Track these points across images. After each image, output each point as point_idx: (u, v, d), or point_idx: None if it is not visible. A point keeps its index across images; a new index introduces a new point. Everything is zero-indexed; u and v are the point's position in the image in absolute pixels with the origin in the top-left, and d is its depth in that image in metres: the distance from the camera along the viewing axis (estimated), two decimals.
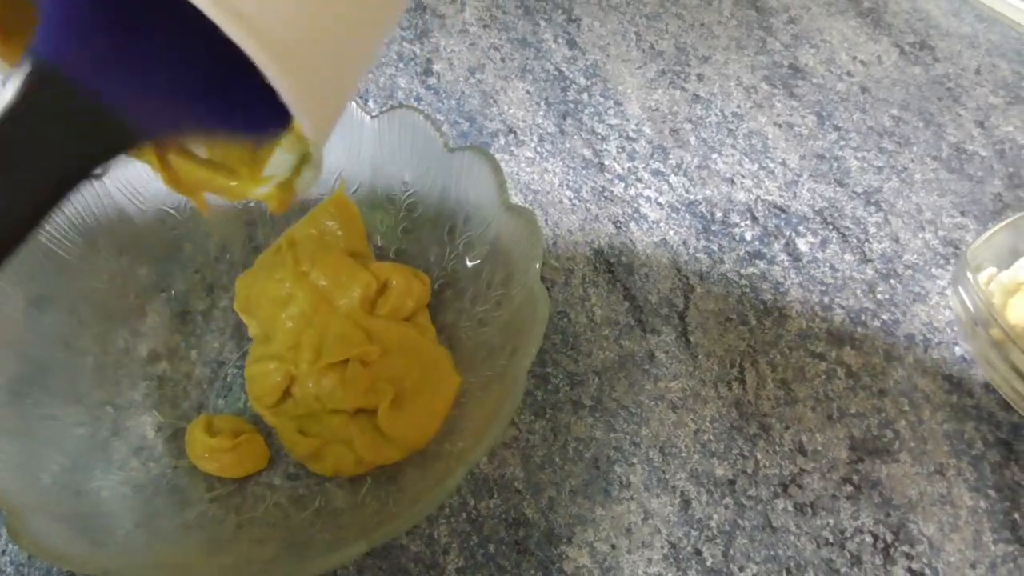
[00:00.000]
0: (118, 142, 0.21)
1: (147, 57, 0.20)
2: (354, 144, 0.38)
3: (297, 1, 0.18)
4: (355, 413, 0.33)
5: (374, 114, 0.36)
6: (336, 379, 0.33)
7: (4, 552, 0.32)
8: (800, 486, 0.34)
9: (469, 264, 0.36)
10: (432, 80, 0.51)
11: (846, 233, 0.44)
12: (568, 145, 0.48)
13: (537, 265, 0.30)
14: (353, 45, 0.21)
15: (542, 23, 0.56)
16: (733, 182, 0.46)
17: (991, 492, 0.35)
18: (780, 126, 0.50)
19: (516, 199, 0.45)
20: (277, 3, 0.18)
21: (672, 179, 0.46)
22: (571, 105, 0.50)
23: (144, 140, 0.22)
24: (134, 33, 0.20)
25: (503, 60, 0.53)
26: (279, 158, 0.24)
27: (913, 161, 0.48)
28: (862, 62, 0.54)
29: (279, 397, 0.34)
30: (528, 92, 0.51)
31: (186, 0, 0.16)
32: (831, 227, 0.44)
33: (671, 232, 0.44)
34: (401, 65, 0.52)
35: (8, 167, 0.19)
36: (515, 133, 0.48)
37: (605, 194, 0.45)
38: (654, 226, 0.44)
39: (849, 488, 0.35)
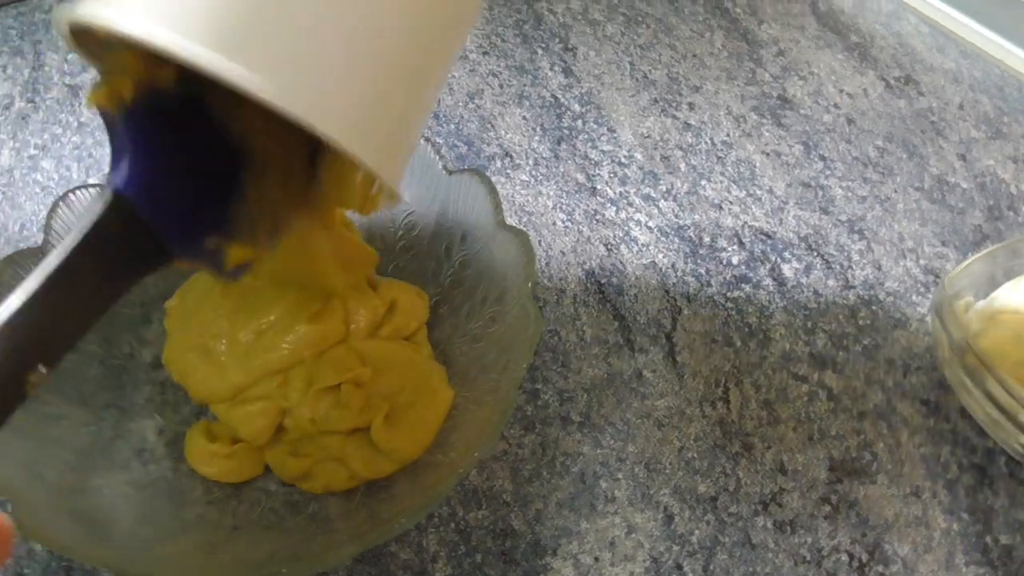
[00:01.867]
0: (158, 263, 0.25)
1: (179, 192, 0.26)
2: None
3: (363, 92, 0.22)
4: (350, 432, 0.34)
5: None
6: (331, 402, 0.33)
7: None
8: (780, 504, 0.36)
9: (465, 282, 0.37)
10: None
11: (830, 259, 0.46)
12: (562, 169, 0.49)
13: (530, 284, 0.32)
14: (412, 113, 0.25)
15: (539, 51, 0.58)
16: (721, 208, 0.48)
17: (964, 515, 0.36)
18: (768, 154, 0.51)
19: (511, 220, 0.46)
20: (349, 96, 0.21)
21: (662, 204, 0.48)
22: (566, 131, 0.52)
23: (171, 262, 0.26)
24: (175, 177, 0.26)
25: (501, 86, 0.55)
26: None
27: (896, 191, 0.50)
28: (848, 94, 0.56)
29: (271, 434, 0.34)
30: (525, 118, 0.53)
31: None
32: (815, 253, 0.46)
33: (660, 255, 0.45)
34: None
35: (82, 276, 0.23)
36: (511, 157, 0.50)
37: (597, 217, 0.47)
38: (644, 249, 0.45)
39: (827, 507, 0.36)
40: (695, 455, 0.37)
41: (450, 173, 0.36)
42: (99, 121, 0.51)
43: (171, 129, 0.25)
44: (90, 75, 0.55)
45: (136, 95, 0.24)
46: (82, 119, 0.52)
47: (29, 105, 0.53)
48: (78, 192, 0.36)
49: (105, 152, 0.50)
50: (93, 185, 0.37)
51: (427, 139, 0.36)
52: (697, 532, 0.34)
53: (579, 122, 0.53)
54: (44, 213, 0.39)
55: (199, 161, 0.27)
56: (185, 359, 0.34)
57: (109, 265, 0.24)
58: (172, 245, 0.25)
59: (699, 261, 0.45)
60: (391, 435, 0.33)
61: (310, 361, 0.34)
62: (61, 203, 0.35)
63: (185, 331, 0.35)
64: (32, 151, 0.50)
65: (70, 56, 0.56)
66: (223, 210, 0.27)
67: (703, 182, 0.49)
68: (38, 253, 0.34)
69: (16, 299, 0.21)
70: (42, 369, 0.22)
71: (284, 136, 0.27)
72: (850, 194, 0.50)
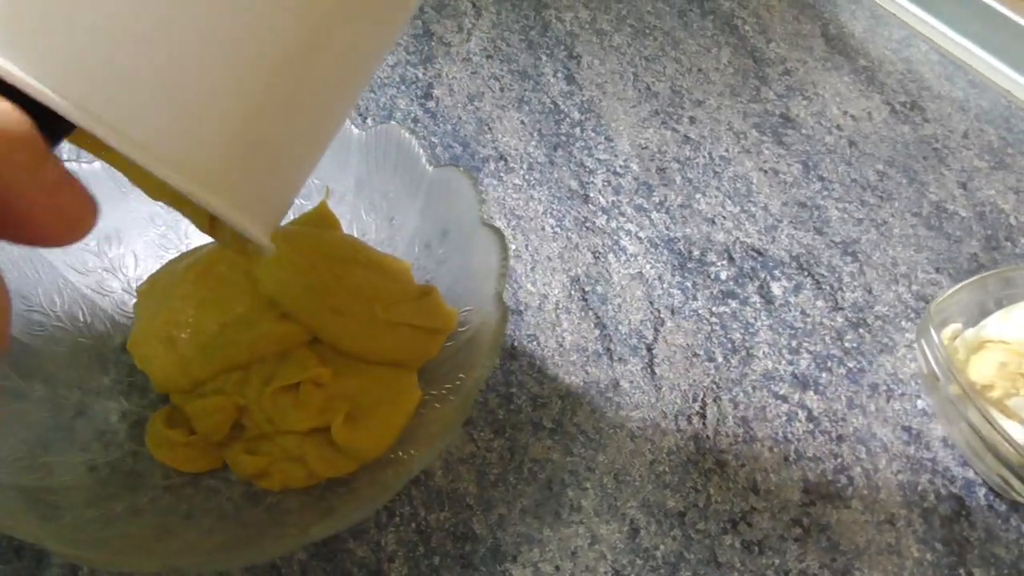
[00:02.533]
0: None
1: None
2: (340, 157, 0.39)
3: (231, 147, 0.19)
4: (309, 432, 0.33)
5: (361, 129, 0.38)
6: (289, 401, 0.32)
7: None
8: (750, 524, 0.35)
9: (442, 280, 0.37)
10: (431, 104, 0.53)
11: (820, 280, 0.45)
12: (556, 175, 0.49)
13: (500, 283, 0.31)
14: (293, 159, 0.22)
15: (543, 57, 0.58)
16: (714, 222, 0.47)
17: (939, 546, 0.35)
18: (766, 172, 0.51)
19: (500, 223, 0.46)
20: (212, 150, 0.19)
21: (654, 215, 0.47)
22: (563, 137, 0.52)
23: None
24: None
25: (502, 90, 0.55)
26: None
27: (893, 216, 0.49)
28: (852, 117, 0.56)
29: (228, 431, 0.33)
30: (523, 122, 0.52)
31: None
32: (806, 273, 0.45)
33: (648, 266, 0.44)
34: (403, 87, 0.54)
35: None
36: (506, 160, 0.50)
37: (587, 224, 0.46)
38: (632, 259, 0.45)
39: (798, 530, 0.35)
40: (667, 469, 0.36)
41: (434, 168, 0.36)
42: None
43: None
44: None
45: None
46: None
47: None
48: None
49: None
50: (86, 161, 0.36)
51: (411, 133, 0.36)
52: (662, 547, 0.34)
53: (577, 129, 0.52)
54: None
55: None
56: (149, 345, 0.34)
57: None
58: None
59: (687, 274, 0.44)
60: (352, 435, 0.32)
61: (271, 359, 0.33)
62: None
63: (152, 317, 0.34)
64: None
65: None
66: None
67: (698, 196, 0.49)
68: None
69: None
70: None
71: None
72: (846, 216, 0.49)
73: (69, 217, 0.17)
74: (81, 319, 0.37)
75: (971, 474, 0.37)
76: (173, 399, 0.34)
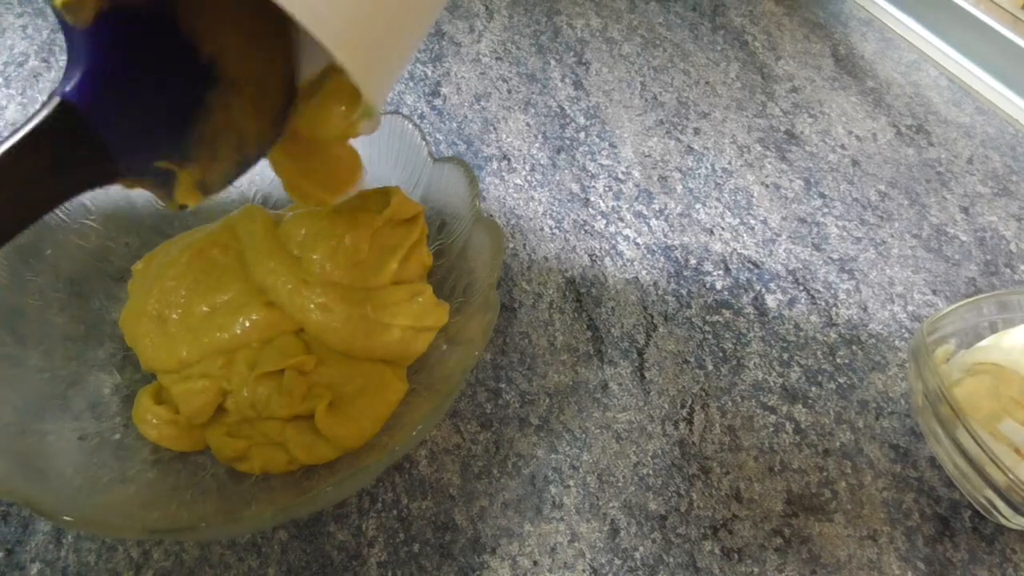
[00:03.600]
0: (103, 177, 0.25)
1: (138, 110, 0.25)
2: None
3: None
4: (291, 419, 0.33)
5: None
6: (272, 387, 0.33)
7: None
8: (730, 531, 0.35)
9: (437, 271, 0.37)
10: (438, 101, 0.53)
11: (815, 295, 0.45)
12: (558, 178, 0.49)
13: (496, 274, 0.31)
14: (403, 30, 0.25)
15: (552, 62, 0.58)
16: (712, 233, 0.47)
17: (920, 564, 0.35)
18: (767, 186, 0.51)
19: (498, 222, 0.46)
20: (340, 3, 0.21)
21: (653, 222, 0.47)
22: (567, 141, 0.52)
23: (119, 180, 0.26)
24: (135, 94, 0.25)
25: (509, 91, 0.55)
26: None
27: (893, 236, 0.49)
28: (857, 137, 0.56)
29: (211, 414, 0.33)
30: (528, 124, 0.53)
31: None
32: (801, 287, 0.45)
33: (644, 272, 0.45)
34: (411, 84, 0.54)
35: (17, 177, 0.22)
36: (509, 160, 0.50)
37: (586, 228, 0.46)
38: (628, 264, 0.45)
39: (779, 540, 0.35)
40: (650, 472, 0.36)
41: (435, 160, 0.36)
42: None
43: (135, 43, 0.25)
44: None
45: (104, 3, 0.23)
46: None
47: (43, 64, 0.54)
48: None
49: None
50: None
51: (414, 124, 0.36)
52: (641, 549, 0.34)
53: (582, 134, 0.53)
54: None
55: (161, 79, 0.26)
56: (139, 324, 0.34)
57: (46, 172, 0.23)
58: (120, 162, 0.25)
59: (682, 282, 0.45)
60: (334, 422, 0.32)
61: (256, 345, 0.34)
62: None
63: (144, 296, 0.35)
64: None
65: None
66: (181, 132, 0.27)
67: (697, 206, 0.49)
68: None
69: None
70: None
71: (259, 61, 0.26)
72: (845, 234, 0.49)
73: None
74: (79, 291, 0.37)
75: (957, 495, 0.37)
76: (160, 379, 0.34)
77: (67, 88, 0.23)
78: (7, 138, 0.22)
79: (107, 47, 0.24)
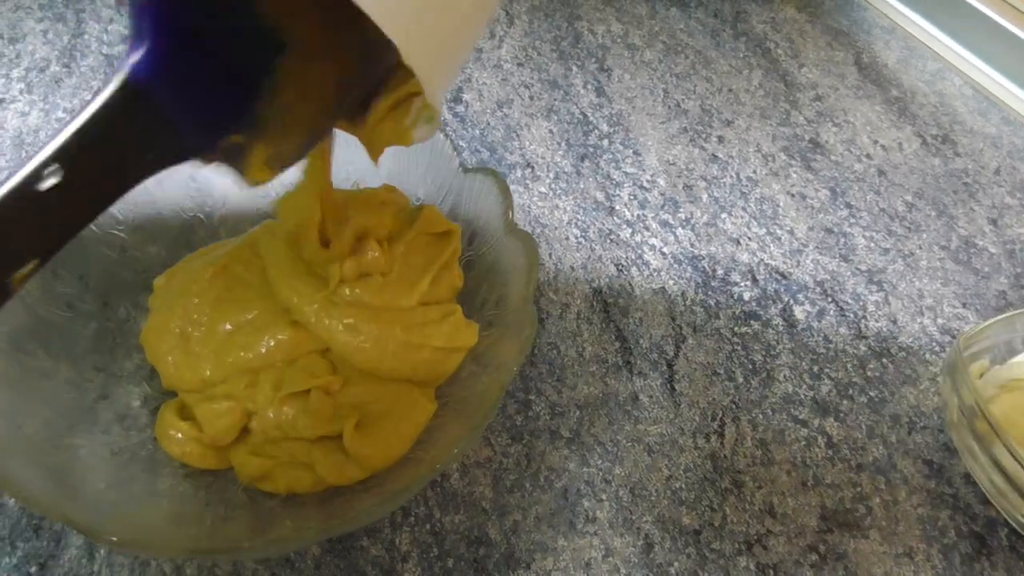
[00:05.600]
0: (173, 156, 0.24)
1: (204, 84, 0.24)
2: None
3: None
4: (317, 439, 0.32)
5: None
6: (298, 407, 0.32)
7: None
8: (765, 547, 0.34)
9: (467, 283, 0.37)
10: (460, 108, 0.53)
11: (844, 307, 0.45)
12: (582, 186, 0.49)
13: (532, 287, 0.31)
14: (462, 28, 0.24)
15: (574, 68, 0.58)
16: (739, 243, 0.47)
17: None
18: (793, 196, 0.51)
19: (524, 230, 0.46)
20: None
21: (679, 231, 0.47)
22: (591, 149, 0.52)
23: (191, 158, 0.25)
24: (200, 67, 0.24)
25: (531, 98, 0.55)
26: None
27: (921, 248, 0.49)
28: (883, 146, 0.55)
29: (236, 435, 0.33)
30: (551, 131, 0.52)
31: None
32: (830, 299, 0.45)
33: (671, 282, 0.44)
34: None
35: (86, 160, 0.21)
36: (532, 168, 0.50)
37: (611, 237, 0.46)
38: (655, 274, 0.45)
39: (814, 556, 0.34)
40: (683, 486, 0.36)
41: (466, 171, 0.36)
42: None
43: (199, 15, 0.24)
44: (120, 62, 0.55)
45: None
46: None
47: (64, 70, 0.54)
48: None
49: None
50: None
51: (446, 135, 0.36)
52: (676, 564, 0.33)
53: (605, 142, 0.52)
54: None
55: (228, 52, 0.25)
56: (161, 341, 0.34)
57: (114, 156, 0.22)
58: (189, 140, 0.24)
59: (710, 292, 0.44)
60: (362, 443, 0.31)
61: (281, 365, 0.33)
62: None
63: (167, 312, 0.34)
64: (60, 114, 0.50)
65: (111, 27, 0.57)
66: (249, 107, 0.26)
67: (723, 215, 0.49)
68: None
69: (7, 187, 0.20)
70: (30, 265, 0.20)
71: (328, 24, 0.26)
72: (873, 245, 0.49)
73: None
74: (106, 300, 0.37)
75: (993, 513, 0.37)
76: (182, 397, 0.34)
77: (131, 64, 0.22)
78: (70, 121, 0.21)
79: (171, 20, 0.23)
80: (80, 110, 0.21)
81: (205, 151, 0.25)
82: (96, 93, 0.22)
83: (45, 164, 0.20)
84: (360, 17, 0.20)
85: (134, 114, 0.22)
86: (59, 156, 0.21)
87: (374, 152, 0.30)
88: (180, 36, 0.23)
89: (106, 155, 0.22)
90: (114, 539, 0.24)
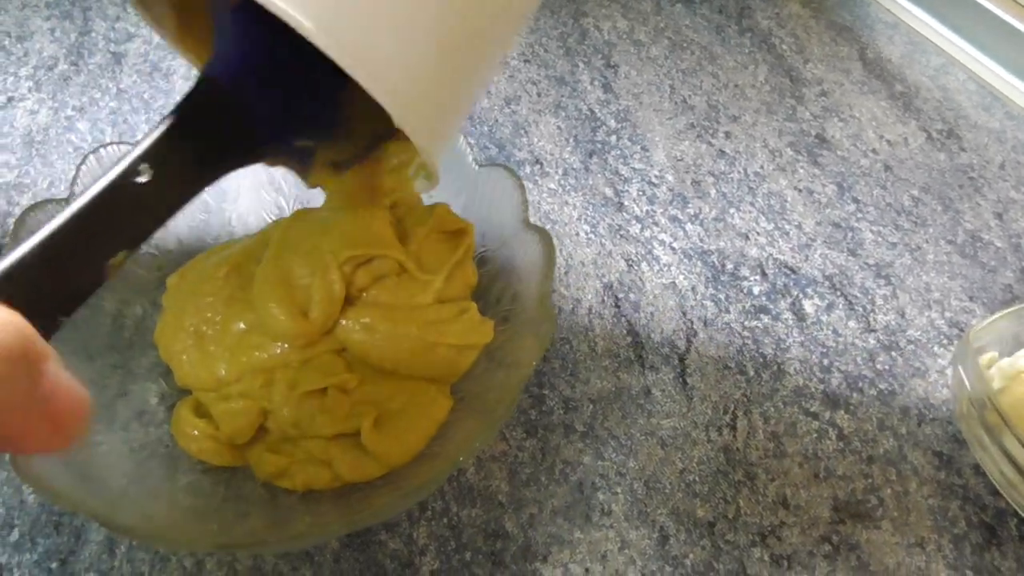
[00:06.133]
0: (247, 157, 0.25)
1: (282, 89, 0.26)
2: None
3: (422, 64, 0.22)
4: (334, 436, 0.32)
5: None
6: (315, 406, 0.32)
7: None
8: (779, 538, 0.35)
9: (482, 279, 0.37)
10: None
11: (853, 301, 0.45)
12: (591, 182, 0.49)
13: (549, 284, 0.31)
14: (462, 94, 0.25)
15: (581, 65, 0.58)
16: (747, 238, 0.47)
17: (969, 572, 0.35)
18: (800, 191, 0.51)
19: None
20: (404, 65, 0.22)
21: (688, 227, 0.47)
22: (599, 145, 0.52)
23: (261, 160, 0.26)
24: (279, 72, 0.25)
25: (539, 95, 0.55)
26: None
27: (927, 242, 0.49)
28: (888, 141, 0.56)
29: (252, 434, 0.33)
30: (559, 127, 0.53)
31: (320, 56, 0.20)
32: (839, 293, 0.45)
33: (681, 277, 0.44)
34: None
35: (173, 158, 0.23)
36: (541, 164, 0.50)
37: (621, 232, 0.46)
38: (665, 269, 0.45)
39: (827, 547, 0.35)
40: (696, 478, 0.36)
41: (480, 167, 0.36)
42: (138, 89, 0.51)
43: (279, 24, 0.25)
44: (134, 44, 0.56)
45: None
46: (122, 85, 0.52)
47: (72, 68, 0.54)
48: (109, 148, 0.36)
49: (141, 120, 0.50)
50: (126, 143, 0.37)
51: (459, 131, 0.36)
52: (691, 556, 0.34)
53: (613, 138, 0.53)
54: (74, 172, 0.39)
55: (304, 58, 0.26)
56: (175, 340, 0.34)
57: (198, 150, 0.23)
58: (263, 139, 0.25)
59: (720, 287, 0.44)
60: (380, 439, 0.32)
61: (296, 364, 0.33)
62: (91, 157, 0.35)
63: (180, 311, 0.34)
64: (70, 112, 0.50)
65: (117, 24, 0.57)
66: (322, 112, 0.27)
67: (732, 210, 0.49)
68: (63, 204, 0.34)
69: (104, 182, 0.21)
70: (122, 254, 0.22)
71: None
72: (880, 239, 0.49)
73: (62, 424, 0.17)
74: (122, 298, 0.37)
75: (1003, 503, 0.37)
76: (197, 395, 0.34)
77: (212, 66, 0.24)
78: (162, 121, 0.23)
79: (251, 26, 0.24)
80: (167, 116, 0.23)
81: (279, 153, 0.27)
82: (185, 95, 0.23)
83: (138, 161, 0.22)
84: None
85: (215, 112, 0.24)
86: (150, 154, 0.22)
87: (377, 198, 0.31)
88: (259, 42, 0.25)
89: (191, 153, 0.23)
90: (140, 534, 0.24)
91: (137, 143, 0.22)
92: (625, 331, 0.42)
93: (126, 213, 0.22)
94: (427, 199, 0.39)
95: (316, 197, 0.41)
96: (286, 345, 0.33)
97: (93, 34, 0.56)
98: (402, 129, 0.21)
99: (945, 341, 0.44)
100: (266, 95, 0.25)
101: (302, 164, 0.28)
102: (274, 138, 0.26)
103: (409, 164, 0.30)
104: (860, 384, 0.41)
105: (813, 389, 0.40)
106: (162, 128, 0.23)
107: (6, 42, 0.55)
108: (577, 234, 0.46)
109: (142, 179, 0.22)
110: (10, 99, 0.50)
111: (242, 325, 0.34)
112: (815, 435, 0.39)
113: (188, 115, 0.23)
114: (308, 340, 0.33)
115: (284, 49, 0.25)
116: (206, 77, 0.24)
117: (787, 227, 0.49)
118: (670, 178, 0.50)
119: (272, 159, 0.26)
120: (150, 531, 0.25)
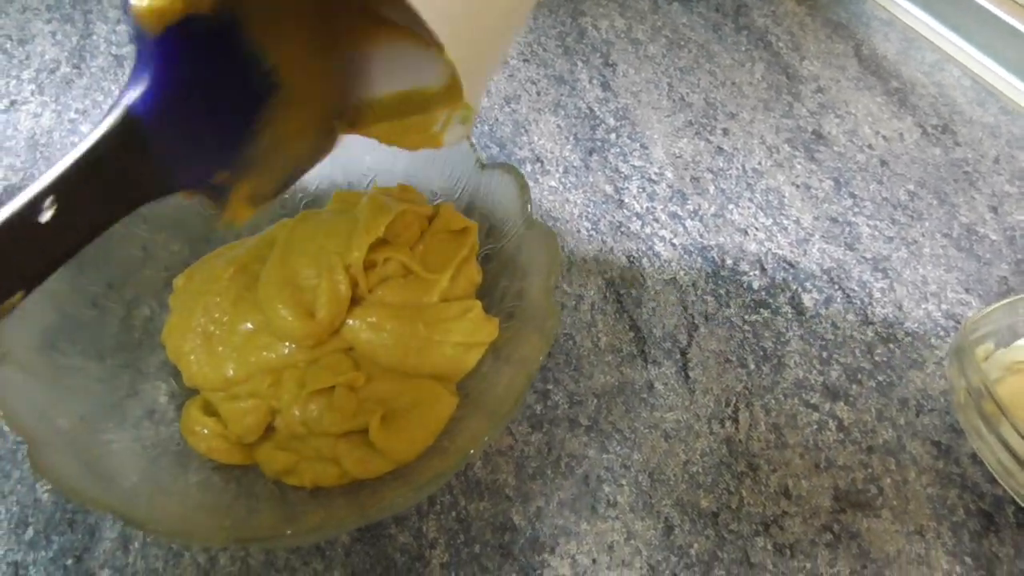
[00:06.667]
0: (162, 190, 0.25)
1: (199, 123, 0.25)
2: (391, 152, 0.40)
3: None
4: (342, 434, 0.33)
5: None
6: (323, 404, 0.33)
7: (11, 492, 0.33)
8: (781, 527, 0.35)
9: (486, 276, 0.37)
10: None
11: (851, 294, 0.46)
12: (591, 179, 0.50)
13: (553, 280, 0.32)
14: (499, 29, 0.25)
15: (579, 64, 0.58)
16: (746, 233, 0.48)
17: (968, 559, 0.35)
18: (798, 186, 0.52)
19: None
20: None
21: (688, 223, 0.48)
22: (598, 143, 0.52)
23: (177, 192, 0.26)
24: (197, 106, 0.25)
25: (538, 94, 0.55)
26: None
27: (924, 235, 0.50)
28: (884, 137, 0.56)
29: (262, 433, 0.34)
30: (559, 126, 0.53)
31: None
32: (837, 287, 0.46)
33: (681, 272, 0.45)
34: None
35: (84, 192, 0.22)
36: (542, 162, 0.50)
37: (622, 229, 0.47)
38: (666, 265, 0.45)
39: (829, 536, 0.35)
40: (700, 470, 0.37)
41: (484, 167, 0.37)
42: None
43: (201, 55, 0.24)
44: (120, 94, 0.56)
45: (178, 15, 0.23)
46: None
47: (74, 71, 0.54)
48: None
49: None
50: None
51: None
52: (696, 545, 0.34)
53: (612, 136, 0.53)
54: None
55: (223, 92, 0.25)
56: (183, 340, 0.34)
57: (108, 188, 0.22)
58: (179, 174, 0.25)
59: (720, 282, 0.45)
60: (388, 436, 0.32)
61: (303, 364, 0.34)
62: None
63: (187, 312, 0.35)
64: (72, 115, 0.51)
65: (118, 27, 0.58)
66: (238, 146, 0.27)
67: (731, 206, 0.50)
68: None
69: (12, 205, 0.20)
70: (17, 296, 0.20)
71: (320, 72, 0.27)
72: (877, 233, 0.50)
73: None
74: (130, 299, 0.37)
75: (1000, 491, 0.38)
76: (205, 395, 0.35)
77: (132, 99, 0.23)
78: (71, 152, 0.22)
79: (172, 58, 0.23)
80: (79, 143, 0.22)
81: (194, 186, 0.26)
82: (96, 126, 0.22)
83: (42, 196, 0.21)
84: (347, 36, 0.21)
85: (131, 148, 0.23)
86: (56, 187, 0.21)
87: (403, 145, 0.31)
88: (181, 77, 0.24)
89: (100, 187, 0.22)
90: (160, 529, 0.25)
91: (31, 184, 0.21)
92: (627, 326, 0.42)
93: (25, 252, 0.21)
94: (431, 200, 0.40)
95: (319, 198, 0.42)
96: (293, 345, 0.34)
97: (94, 37, 0.57)
98: (448, 58, 0.21)
99: (942, 333, 0.44)
100: (184, 129, 0.24)
101: (218, 198, 0.27)
102: (191, 172, 0.25)
103: (433, 120, 0.30)
104: (859, 376, 0.42)
105: (813, 381, 0.41)
106: (69, 160, 0.21)
107: (7, 45, 0.55)
108: (578, 231, 0.47)
109: (45, 216, 0.21)
110: (13, 102, 0.51)
111: (249, 325, 0.35)
112: (815, 426, 0.39)
113: (100, 148, 0.22)
114: (315, 340, 0.34)
115: (204, 83, 0.24)
116: (126, 111, 0.23)
117: (785, 222, 0.49)
118: (669, 175, 0.51)
119: (188, 192, 0.26)
120: (171, 528, 0.25)
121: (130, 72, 0.24)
